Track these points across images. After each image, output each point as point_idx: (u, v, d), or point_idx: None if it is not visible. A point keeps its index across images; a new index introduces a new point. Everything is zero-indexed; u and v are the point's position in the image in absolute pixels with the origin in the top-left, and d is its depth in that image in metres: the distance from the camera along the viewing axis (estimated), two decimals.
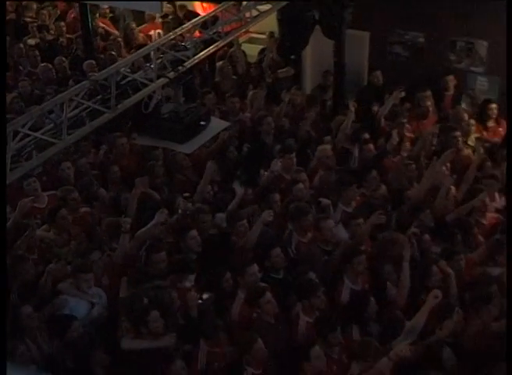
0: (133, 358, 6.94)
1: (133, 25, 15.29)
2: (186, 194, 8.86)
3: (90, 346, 6.88)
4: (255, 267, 7.74)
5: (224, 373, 6.83)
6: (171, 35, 8.82)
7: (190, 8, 15.84)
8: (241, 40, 15.20)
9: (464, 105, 12.41)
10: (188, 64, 8.53)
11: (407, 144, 10.74)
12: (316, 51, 13.52)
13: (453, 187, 9.50)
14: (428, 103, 11.90)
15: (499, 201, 9.73)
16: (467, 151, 10.68)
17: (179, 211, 8.69)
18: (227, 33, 9.51)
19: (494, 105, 11.88)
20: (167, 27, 14.32)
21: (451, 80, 12.69)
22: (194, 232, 8.15)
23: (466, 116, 11.50)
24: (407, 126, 11.37)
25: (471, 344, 7.05)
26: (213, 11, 9.93)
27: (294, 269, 8.10)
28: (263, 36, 14.69)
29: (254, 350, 6.63)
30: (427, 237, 8.51)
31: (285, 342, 7.30)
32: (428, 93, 11.89)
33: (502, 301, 7.47)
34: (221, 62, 13.32)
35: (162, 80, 8.19)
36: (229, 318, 7.50)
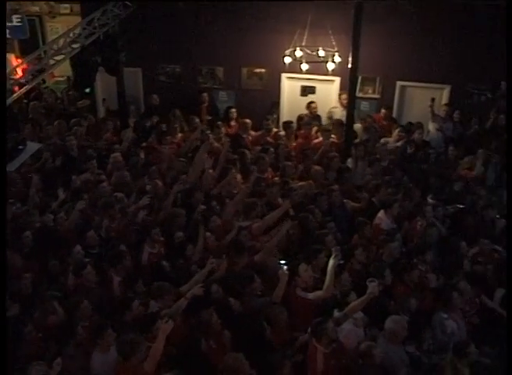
0: None
1: None
2: (11, 200, 8.42)
3: None
4: (78, 247, 7.56)
5: (62, 328, 6.55)
6: None
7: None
8: (51, 82, 14.73)
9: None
10: None
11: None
12: (104, 85, 13.32)
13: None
14: (197, 120, 11.95)
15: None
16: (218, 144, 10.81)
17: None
18: (33, 79, 9.12)
19: (234, 110, 12.36)
20: None
21: (205, 96, 13.03)
22: (28, 232, 7.79)
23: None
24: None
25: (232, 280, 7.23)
26: (21, 62, 9.55)
27: (107, 245, 7.92)
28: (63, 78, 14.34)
29: (81, 308, 6.47)
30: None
31: (106, 299, 7.08)
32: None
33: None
34: (32, 103, 12.78)
35: None
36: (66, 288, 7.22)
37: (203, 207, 8.47)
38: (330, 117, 12.45)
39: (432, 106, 11.85)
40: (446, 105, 12.35)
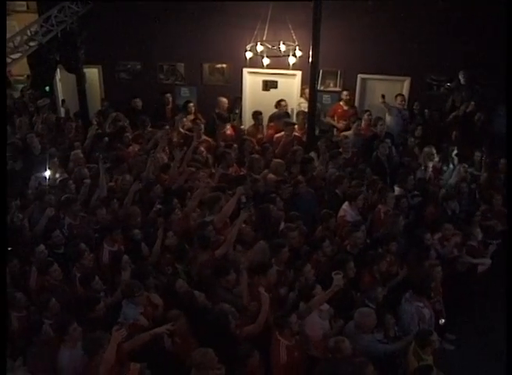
0: None
1: None
2: None
3: None
4: (42, 246, 7.39)
5: (30, 329, 6.38)
6: None
7: None
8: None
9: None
10: None
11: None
12: (64, 83, 13.15)
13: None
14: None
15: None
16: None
17: None
18: None
19: (191, 104, 12.36)
20: None
21: (168, 97, 12.81)
22: None
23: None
24: None
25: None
26: None
27: (70, 243, 7.72)
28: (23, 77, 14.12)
29: (50, 306, 6.38)
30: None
31: (71, 296, 6.99)
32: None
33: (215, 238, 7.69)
34: None
35: None
36: (29, 287, 7.06)
37: (159, 207, 8.37)
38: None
39: (383, 102, 11.98)
40: (399, 95, 12.38)
